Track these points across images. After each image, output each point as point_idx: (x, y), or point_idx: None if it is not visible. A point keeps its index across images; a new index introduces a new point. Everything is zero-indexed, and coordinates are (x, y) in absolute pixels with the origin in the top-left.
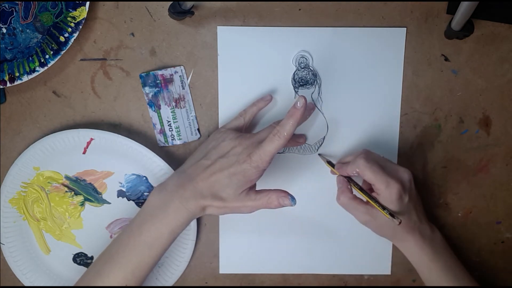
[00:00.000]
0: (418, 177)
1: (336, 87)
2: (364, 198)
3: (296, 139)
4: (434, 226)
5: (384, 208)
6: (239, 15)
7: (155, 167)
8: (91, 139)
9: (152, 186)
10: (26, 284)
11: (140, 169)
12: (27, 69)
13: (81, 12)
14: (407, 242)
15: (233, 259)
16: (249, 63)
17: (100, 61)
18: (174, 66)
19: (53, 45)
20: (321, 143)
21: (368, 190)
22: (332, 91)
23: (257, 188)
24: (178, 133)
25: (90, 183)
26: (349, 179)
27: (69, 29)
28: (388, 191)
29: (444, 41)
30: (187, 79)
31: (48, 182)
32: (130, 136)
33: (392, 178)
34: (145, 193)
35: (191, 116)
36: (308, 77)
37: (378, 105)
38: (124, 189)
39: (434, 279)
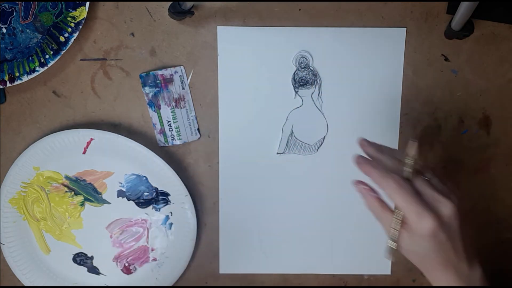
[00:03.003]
0: None
1: (336, 87)
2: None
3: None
4: (475, 262)
5: (393, 231)
6: (239, 15)
7: (155, 167)
8: (91, 139)
9: (152, 186)
10: (26, 284)
11: (140, 169)
12: (27, 69)
13: (81, 12)
14: (437, 280)
15: (233, 259)
16: (249, 63)
17: (100, 61)
18: (174, 66)
19: (53, 45)
20: (321, 143)
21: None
22: (332, 91)
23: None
24: (178, 133)
25: (90, 183)
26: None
27: (69, 29)
28: (419, 225)
29: (444, 41)
30: (187, 79)
31: (48, 182)
32: (130, 136)
33: (427, 210)
34: (145, 193)
35: (191, 116)
36: (308, 77)
37: (378, 105)
38: (124, 189)
39: None
